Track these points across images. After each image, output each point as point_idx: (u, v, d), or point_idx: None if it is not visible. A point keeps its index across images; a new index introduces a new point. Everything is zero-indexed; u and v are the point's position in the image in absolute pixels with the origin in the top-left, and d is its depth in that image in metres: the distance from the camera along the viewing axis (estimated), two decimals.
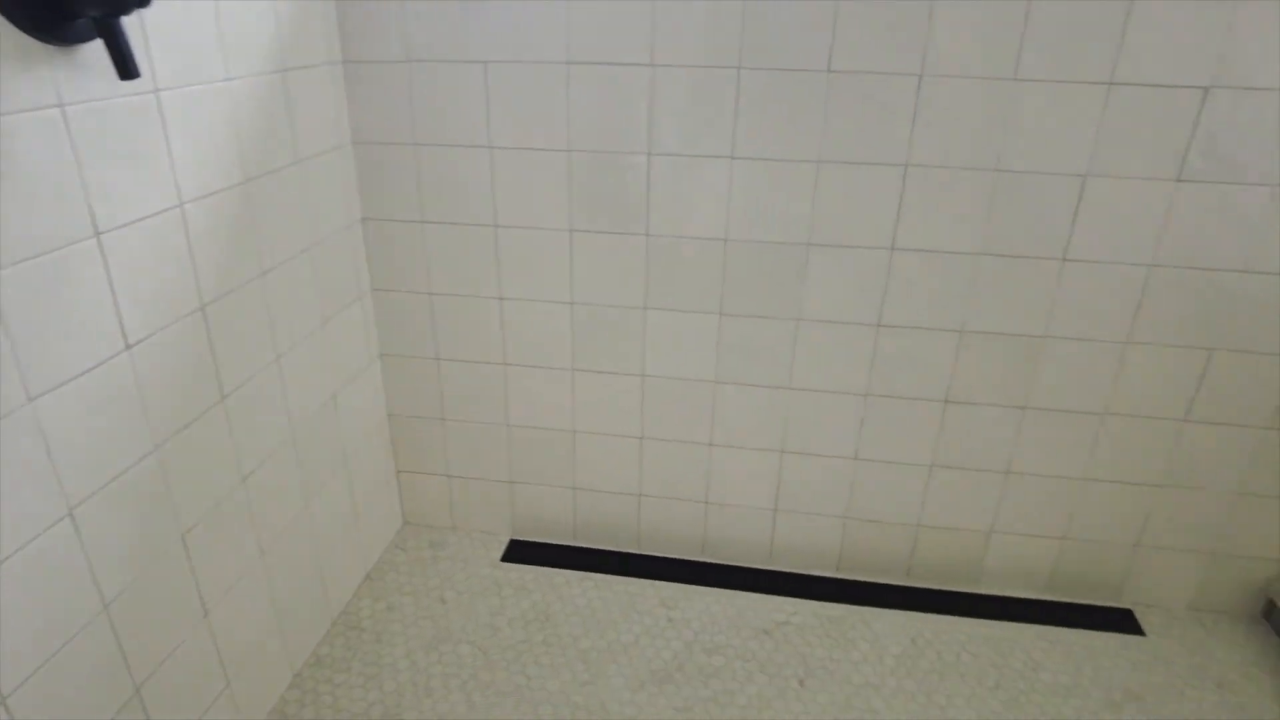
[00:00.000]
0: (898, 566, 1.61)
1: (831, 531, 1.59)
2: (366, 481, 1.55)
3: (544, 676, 1.37)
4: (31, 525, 0.81)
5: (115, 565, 0.93)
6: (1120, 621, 1.54)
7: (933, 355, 1.40)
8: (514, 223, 1.40)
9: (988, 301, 1.34)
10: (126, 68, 0.78)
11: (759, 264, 1.37)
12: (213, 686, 1.14)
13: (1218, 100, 1.16)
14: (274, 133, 1.16)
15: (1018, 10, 1.15)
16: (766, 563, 1.65)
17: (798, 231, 1.33)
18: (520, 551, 1.67)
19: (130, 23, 0.85)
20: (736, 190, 1.32)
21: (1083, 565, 1.56)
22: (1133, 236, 1.26)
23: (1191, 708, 1.36)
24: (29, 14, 0.73)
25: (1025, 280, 1.32)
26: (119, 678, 0.96)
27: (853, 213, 1.31)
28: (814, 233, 1.33)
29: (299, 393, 1.28)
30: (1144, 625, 1.53)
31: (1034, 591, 1.60)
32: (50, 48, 0.77)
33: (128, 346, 0.92)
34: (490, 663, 1.39)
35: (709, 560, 1.66)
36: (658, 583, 1.59)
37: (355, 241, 1.43)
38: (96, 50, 0.82)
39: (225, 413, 1.10)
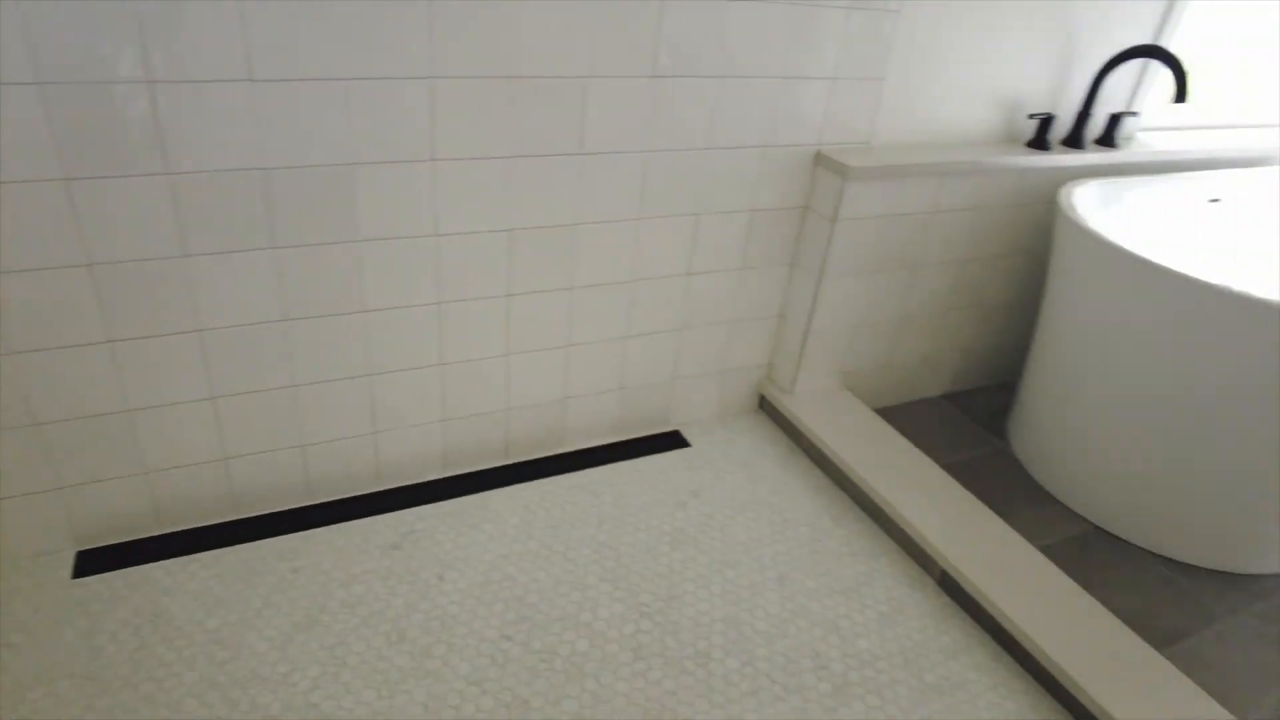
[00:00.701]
0: (497, 450, 1.77)
1: (432, 437, 1.68)
2: None
3: (177, 673, 1.26)
4: None
5: None
6: (673, 441, 1.92)
7: (492, 256, 1.52)
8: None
9: (527, 200, 1.50)
10: None
11: (305, 192, 1.33)
12: None
13: (671, 8, 1.41)
14: None
15: None
16: (376, 485, 1.68)
17: (342, 152, 1.32)
18: (96, 561, 1.46)
19: None
20: (269, 114, 1.25)
21: (638, 406, 1.88)
22: (629, 128, 1.51)
23: (729, 487, 1.77)
24: None
25: (554, 176, 1.49)
26: None
27: (389, 129, 1.33)
28: (359, 153, 1.33)
29: None
30: (689, 439, 1.93)
31: (608, 437, 1.89)
32: None
33: None
34: (105, 686, 1.23)
35: (318, 501, 1.64)
36: (271, 540, 1.53)
37: None
38: None
39: None
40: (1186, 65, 1.74)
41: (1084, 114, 1.91)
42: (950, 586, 1.54)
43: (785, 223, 1.78)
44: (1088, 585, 1.63)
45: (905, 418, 2.10)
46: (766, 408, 2.03)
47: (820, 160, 1.70)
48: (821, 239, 1.75)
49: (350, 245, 1.40)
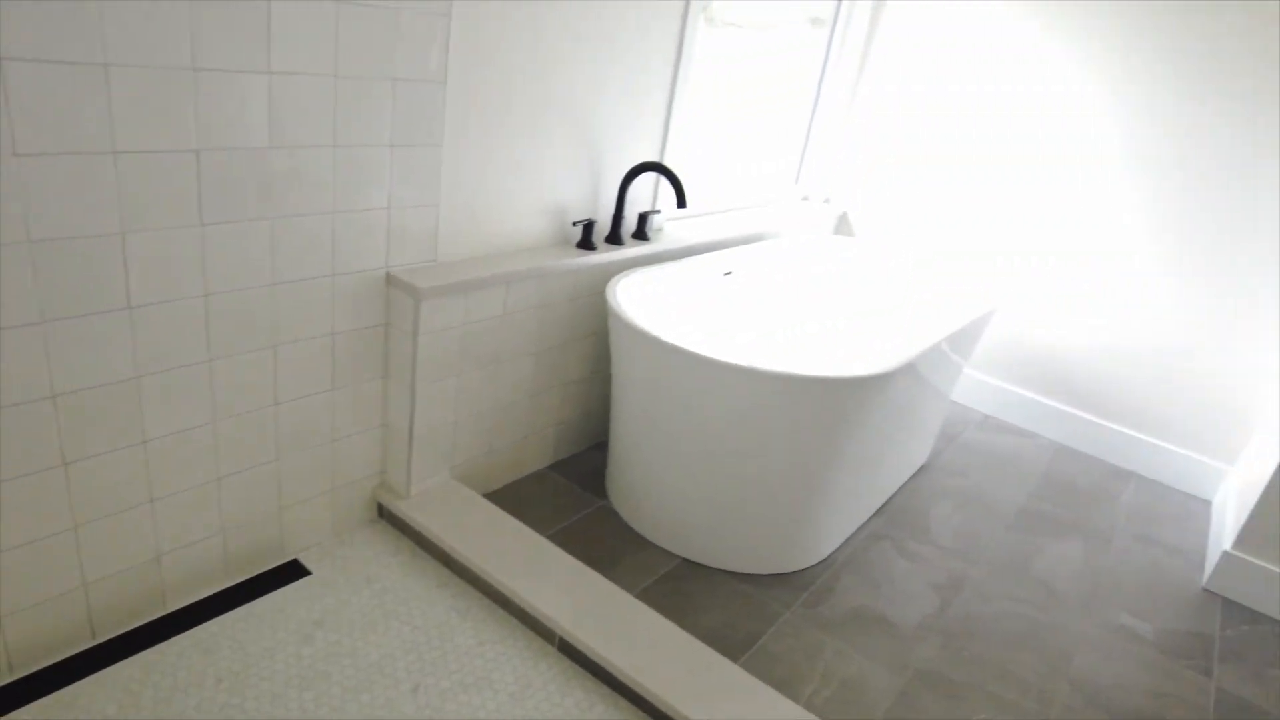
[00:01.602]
0: (79, 632, 1.58)
1: None
2: None
3: None
4: None
5: None
6: (292, 572, 1.87)
7: (37, 427, 1.38)
8: None
9: (74, 362, 1.39)
10: None
11: None
12: None
13: (212, 157, 1.43)
14: None
15: None
16: None
17: None
18: None
19: None
20: None
21: (246, 544, 1.81)
22: (180, 276, 1.48)
23: (355, 608, 1.78)
24: None
25: (102, 334, 1.41)
26: None
27: None
28: None
29: None
30: (308, 565, 1.90)
31: (218, 584, 1.79)
32: None
33: None
34: None
35: None
36: None
37: None
38: None
39: None
40: (681, 176, 2.17)
41: (618, 215, 2.27)
42: (569, 650, 1.72)
43: (370, 340, 1.86)
44: (680, 614, 1.92)
45: (517, 496, 2.27)
46: (386, 515, 2.07)
47: (392, 282, 1.82)
48: (407, 352, 1.86)
49: None
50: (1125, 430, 3.07)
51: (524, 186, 2.04)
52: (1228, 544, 2.39)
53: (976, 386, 3.37)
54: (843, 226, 3.57)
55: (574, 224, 2.14)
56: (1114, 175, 2.89)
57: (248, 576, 1.84)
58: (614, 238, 2.29)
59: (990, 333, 3.30)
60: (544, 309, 2.14)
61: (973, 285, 2.85)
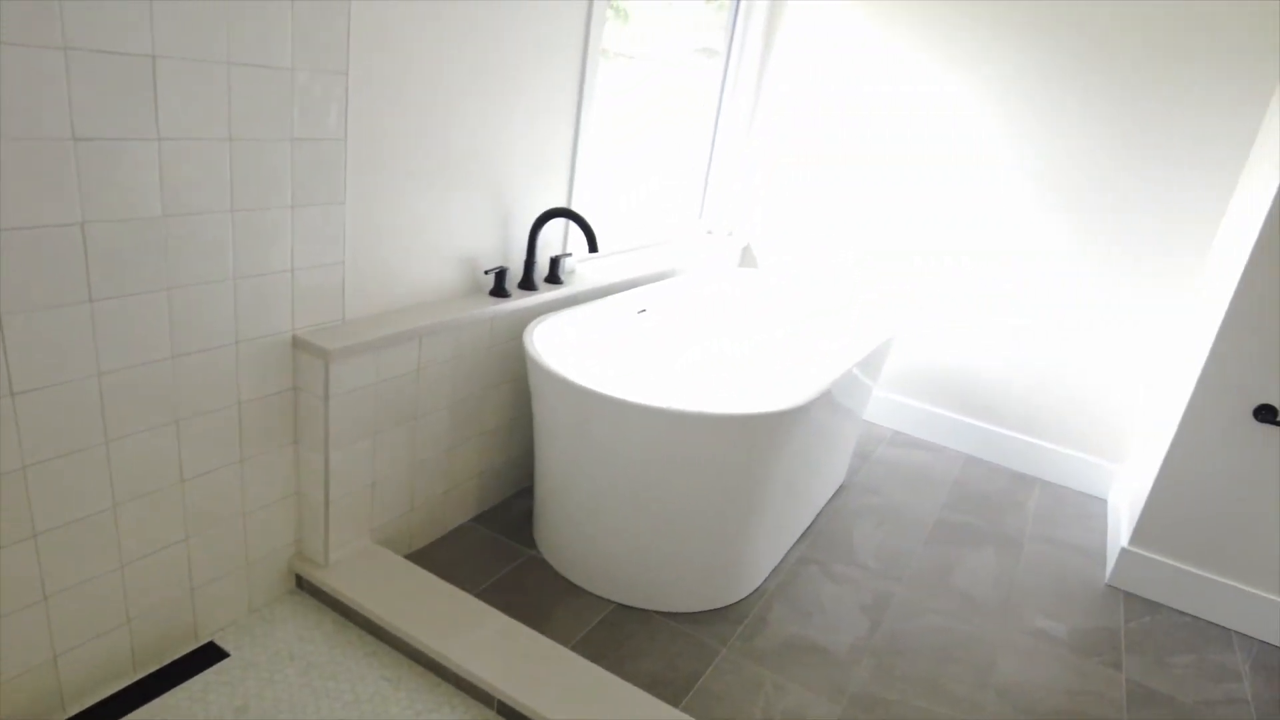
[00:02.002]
0: None
1: None
2: None
3: None
4: None
5: None
6: (208, 656, 1.76)
7: None
8: None
9: None
10: None
11: None
12: None
13: (99, 229, 1.36)
14: None
15: None
16: None
17: None
18: None
19: None
20: None
21: (155, 632, 1.70)
22: (67, 356, 1.39)
23: (279, 689, 1.69)
24: None
25: None
26: None
27: None
28: None
29: None
30: (225, 647, 1.79)
31: (126, 679, 1.67)
32: None
33: None
34: None
35: None
36: None
37: None
38: None
39: None
40: (590, 220, 2.19)
41: (530, 261, 2.26)
42: (509, 713, 1.67)
43: (279, 406, 1.78)
44: (619, 662, 1.90)
45: (442, 554, 2.21)
46: (305, 586, 1.98)
47: (299, 345, 1.75)
48: (319, 416, 1.79)
49: None
50: (1025, 437, 3.23)
51: (433, 238, 2.01)
52: (1125, 540, 2.54)
53: (884, 404, 3.49)
54: (747, 258, 3.65)
55: (486, 272, 2.12)
56: (1006, 195, 3.07)
57: (159, 666, 1.72)
58: (527, 283, 2.28)
59: (894, 353, 3.43)
60: (459, 360, 2.10)
61: (876, 309, 2.96)
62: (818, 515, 2.70)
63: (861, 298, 3.04)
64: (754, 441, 1.91)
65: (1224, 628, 2.42)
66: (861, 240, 3.36)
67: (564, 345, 2.26)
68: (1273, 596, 2.35)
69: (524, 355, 2.33)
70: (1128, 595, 2.52)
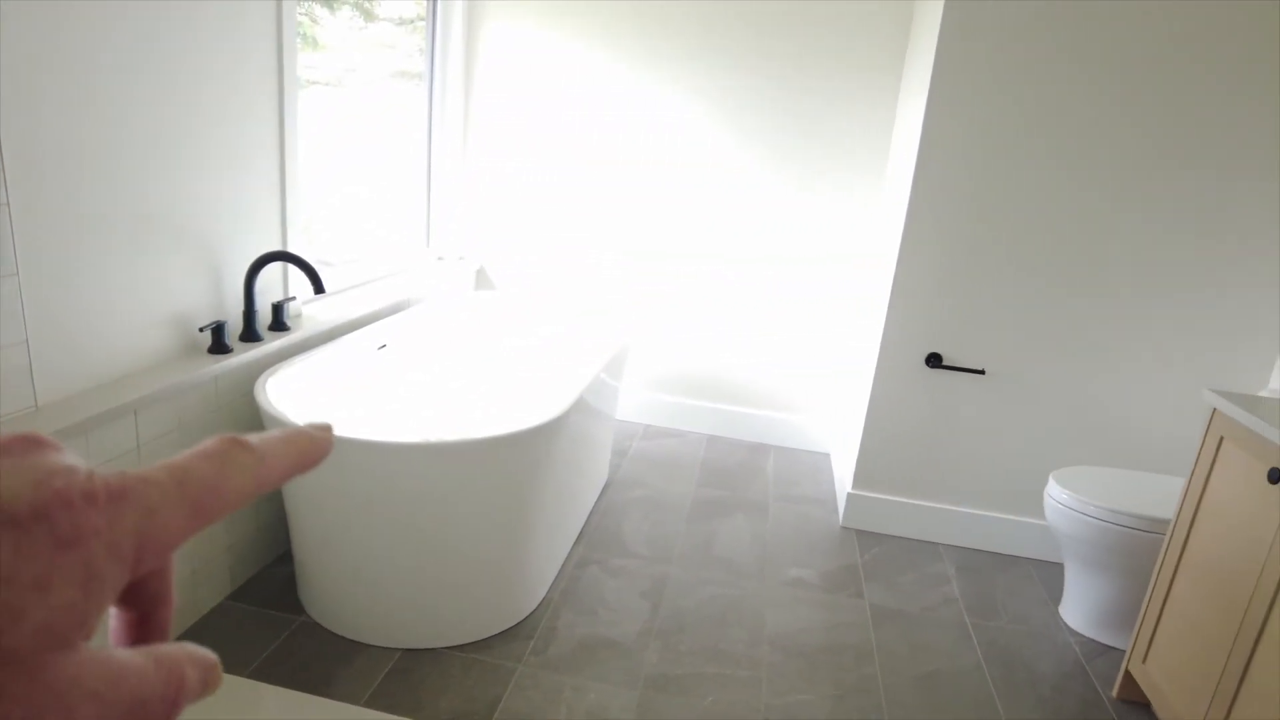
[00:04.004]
0: None
1: None
2: None
3: None
4: None
5: None
6: None
7: None
8: None
9: None
10: None
11: None
12: None
13: None
14: None
15: None
16: None
17: None
18: None
19: None
20: None
21: None
22: None
23: None
24: None
25: None
26: None
27: None
28: None
29: None
30: None
31: None
32: None
33: None
34: None
35: None
36: None
37: None
38: None
39: None
40: (309, 258, 2.09)
41: (249, 311, 2.11)
42: None
43: None
44: (417, 707, 1.85)
45: (200, 639, 1.99)
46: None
47: None
48: None
49: None
50: (756, 411, 3.57)
51: (134, 301, 1.81)
52: (849, 486, 2.91)
53: (631, 401, 3.68)
54: (483, 281, 3.67)
55: (201, 329, 1.95)
56: (713, 194, 3.36)
57: None
58: (249, 335, 2.12)
59: (633, 354, 3.63)
60: (185, 428, 1.91)
61: (612, 315, 3.12)
62: (589, 516, 2.79)
63: (596, 306, 3.19)
64: (520, 458, 1.95)
65: (933, 543, 2.86)
66: (591, 250, 3.51)
67: (302, 393, 2.14)
68: (964, 509, 2.82)
69: (258, 411, 2.17)
70: (860, 532, 2.89)
